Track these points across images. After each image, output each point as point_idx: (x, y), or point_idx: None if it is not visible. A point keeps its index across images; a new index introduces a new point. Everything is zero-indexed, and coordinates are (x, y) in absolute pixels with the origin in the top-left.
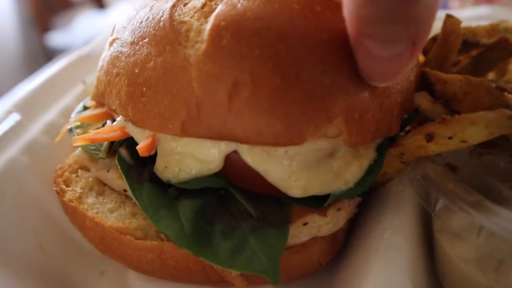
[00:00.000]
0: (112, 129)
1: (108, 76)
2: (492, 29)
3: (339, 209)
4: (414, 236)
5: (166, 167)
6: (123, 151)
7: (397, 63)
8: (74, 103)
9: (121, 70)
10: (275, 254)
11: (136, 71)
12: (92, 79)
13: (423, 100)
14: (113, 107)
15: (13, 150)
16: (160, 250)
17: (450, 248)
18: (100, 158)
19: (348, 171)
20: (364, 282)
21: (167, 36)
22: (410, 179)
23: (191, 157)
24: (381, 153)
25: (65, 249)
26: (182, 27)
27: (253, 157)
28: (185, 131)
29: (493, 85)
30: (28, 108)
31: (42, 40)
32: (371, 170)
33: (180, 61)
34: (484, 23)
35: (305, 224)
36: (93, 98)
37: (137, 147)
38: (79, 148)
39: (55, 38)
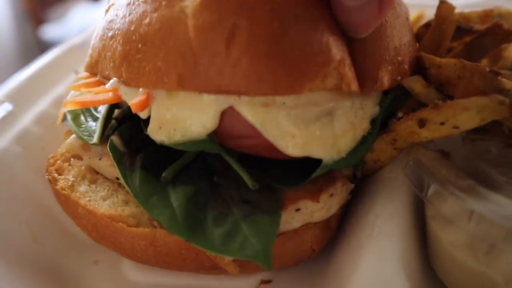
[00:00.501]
0: (104, 90)
1: (103, 41)
2: (486, 15)
3: (331, 195)
4: (406, 223)
5: (160, 128)
6: (115, 139)
7: (366, 14)
8: (65, 93)
9: (116, 31)
10: (267, 240)
11: (132, 28)
12: None
13: (417, 84)
14: (107, 72)
15: (4, 140)
16: (152, 237)
17: (442, 234)
18: (93, 143)
19: (342, 140)
20: (356, 268)
21: None
22: (402, 165)
23: (186, 116)
24: (375, 125)
25: (59, 239)
26: None
27: (251, 110)
28: (181, 84)
29: (487, 69)
30: (20, 98)
31: (36, 33)
32: (364, 141)
33: (176, 13)
34: (479, 9)
35: (297, 210)
36: (86, 69)
37: (130, 103)
38: (72, 137)
39: (50, 31)
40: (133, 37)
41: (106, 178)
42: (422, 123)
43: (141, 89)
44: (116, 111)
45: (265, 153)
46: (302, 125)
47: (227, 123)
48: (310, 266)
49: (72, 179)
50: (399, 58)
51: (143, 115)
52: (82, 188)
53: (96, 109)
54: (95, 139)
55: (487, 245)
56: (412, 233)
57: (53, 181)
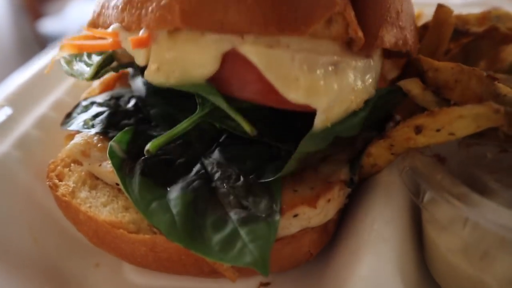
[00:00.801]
0: (104, 34)
1: None
2: (484, 17)
3: (329, 201)
4: (403, 227)
5: (158, 69)
6: (114, 145)
7: None
8: (65, 96)
9: None
10: (265, 247)
11: None
12: None
13: (414, 86)
14: (108, 22)
15: (5, 144)
16: (153, 244)
17: (438, 238)
18: (85, 79)
19: (334, 108)
20: (353, 273)
21: None
22: (399, 170)
23: (186, 57)
24: (367, 105)
25: (60, 242)
26: None
27: (254, 51)
28: (184, 20)
29: (484, 74)
30: (19, 101)
31: (34, 27)
32: (353, 114)
33: None
34: (476, 9)
35: (295, 216)
36: (88, 26)
37: (130, 38)
38: (72, 143)
39: (48, 25)
40: None
41: (106, 183)
42: (418, 130)
43: (142, 30)
44: (114, 63)
45: (266, 101)
46: (306, 70)
47: (228, 68)
48: (308, 269)
49: (72, 185)
50: (401, 23)
51: (141, 60)
52: (83, 194)
53: (90, 58)
54: (87, 75)
55: (481, 251)
56: (408, 237)
57: (54, 187)
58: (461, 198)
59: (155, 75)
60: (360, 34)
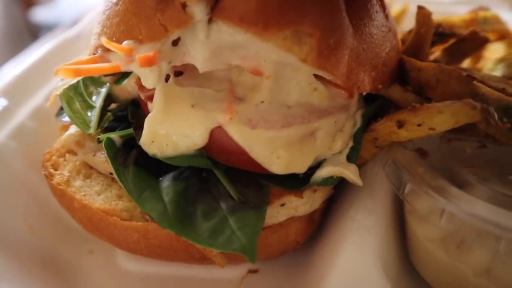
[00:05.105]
0: (119, 49)
1: (107, 11)
2: (471, 19)
3: (315, 191)
4: (385, 218)
5: (152, 142)
6: (114, 137)
7: None
8: None
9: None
10: (252, 234)
11: None
12: None
13: (395, 92)
14: (114, 39)
15: (1, 135)
16: (145, 230)
17: (418, 228)
18: (89, 133)
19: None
20: (337, 260)
21: None
22: (382, 163)
23: (177, 132)
24: (358, 140)
25: (55, 230)
26: None
27: (238, 132)
28: None
29: (464, 73)
30: (15, 93)
31: (26, 16)
32: (349, 157)
33: None
34: (464, 7)
35: (282, 205)
36: (90, 53)
37: (138, 56)
38: (66, 133)
39: (40, 14)
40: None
41: (100, 172)
42: (400, 124)
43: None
44: (113, 105)
45: (251, 168)
46: (287, 147)
47: (215, 140)
48: (295, 256)
49: (67, 174)
50: (383, 67)
51: (149, 82)
52: (77, 183)
53: (90, 98)
54: (91, 129)
55: (458, 240)
56: (390, 227)
57: (49, 176)
58: (439, 191)
59: (150, 146)
60: (317, 64)
